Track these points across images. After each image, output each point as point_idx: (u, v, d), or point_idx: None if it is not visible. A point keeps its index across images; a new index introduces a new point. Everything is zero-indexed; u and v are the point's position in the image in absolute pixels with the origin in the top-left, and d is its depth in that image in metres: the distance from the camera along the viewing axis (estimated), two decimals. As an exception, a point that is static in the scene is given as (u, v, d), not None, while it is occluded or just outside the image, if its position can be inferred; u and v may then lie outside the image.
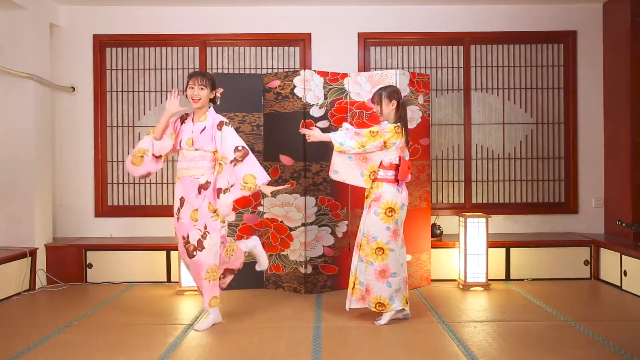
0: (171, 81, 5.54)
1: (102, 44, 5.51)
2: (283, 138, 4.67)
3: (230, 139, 3.64)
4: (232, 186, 3.62)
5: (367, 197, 3.86)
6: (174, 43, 5.53)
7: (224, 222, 3.74)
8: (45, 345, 3.40)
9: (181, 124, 3.76)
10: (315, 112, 4.61)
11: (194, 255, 3.64)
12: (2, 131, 4.85)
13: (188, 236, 3.66)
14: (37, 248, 4.86)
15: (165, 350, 3.30)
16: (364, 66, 5.48)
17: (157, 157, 3.79)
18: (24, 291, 4.69)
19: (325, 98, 4.66)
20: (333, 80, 4.70)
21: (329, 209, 4.66)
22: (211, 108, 3.77)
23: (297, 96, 4.60)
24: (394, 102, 3.83)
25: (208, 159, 3.69)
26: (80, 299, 4.51)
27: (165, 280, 5.01)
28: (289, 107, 4.64)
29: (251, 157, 3.63)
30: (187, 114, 3.80)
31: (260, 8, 5.48)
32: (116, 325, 3.78)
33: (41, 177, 4.98)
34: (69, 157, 5.48)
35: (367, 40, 5.51)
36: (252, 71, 5.53)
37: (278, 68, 5.54)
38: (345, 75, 4.75)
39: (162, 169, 5.39)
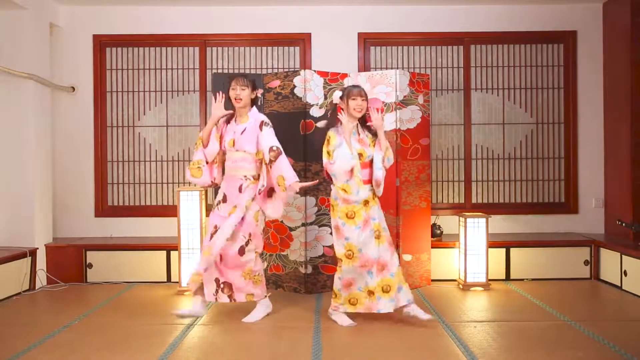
0: (171, 81, 5.54)
1: (102, 44, 5.51)
2: (283, 138, 4.62)
3: (267, 140, 3.77)
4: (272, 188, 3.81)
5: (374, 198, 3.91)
6: (174, 43, 5.53)
7: (257, 221, 3.82)
8: (45, 345, 3.40)
9: (226, 125, 3.89)
10: (316, 112, 4.61)
11: (238, 257, 3.77)
12: (2, 131, 4.85)
13: (216, 227, 3.77)
14: (37, 248, 4.86)
15: (165, 350, 3.30)
16: (364, 66, 5.48)
17: (212, 163, 3.90)
18: (24, 291, 4.69)
19: (326, 98, 4.66)
20: (333, 80, 4.70)
21: (329, 209, 4.64)
22: (254, 108, 3.89)
23: (297, 96, 4.60)
24: None
25: (249, 160, 3.81)
26: (80, 299, 4.52)
27: (165, 280, 5.01)
28: (289, 107, 4.64)
29: (282, 158, 3.74)
30: (232, 115, 3.91)
31: (260, 8, 5.48)
32: (116, 325, 3.77)
33: (41, 177, 4.98)
34: (69, 157, 5.48)
35: (367, 40, 5.51)
36: (252, 71, 5.52)
37: (278, 68, 5.54)
38: (345, 75, 4.75)
39: (160, 169, 5.52)
